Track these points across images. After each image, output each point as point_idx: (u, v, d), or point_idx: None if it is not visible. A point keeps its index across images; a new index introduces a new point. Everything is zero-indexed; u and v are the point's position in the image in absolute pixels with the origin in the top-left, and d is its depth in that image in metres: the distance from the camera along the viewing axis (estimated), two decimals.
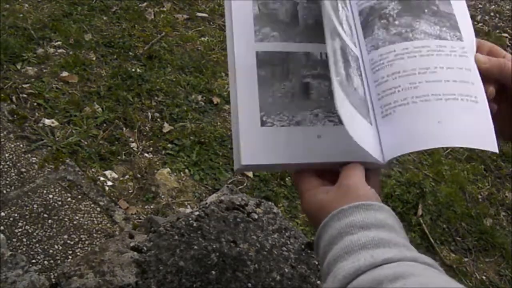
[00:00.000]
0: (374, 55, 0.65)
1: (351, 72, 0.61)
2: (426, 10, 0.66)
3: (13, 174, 1.95)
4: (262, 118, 0.59)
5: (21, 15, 2.77)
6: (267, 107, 0.60)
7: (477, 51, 0.64)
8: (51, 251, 1.74)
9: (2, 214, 1.80)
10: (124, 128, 2.31)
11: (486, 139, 0.59)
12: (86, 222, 1.86)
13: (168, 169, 2.19)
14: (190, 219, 1.13)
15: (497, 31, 3.82)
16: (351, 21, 0.68)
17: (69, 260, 1.70)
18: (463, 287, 0.44)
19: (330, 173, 0.60)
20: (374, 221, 0.52)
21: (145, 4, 3.17)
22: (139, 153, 2.23)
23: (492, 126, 0.59)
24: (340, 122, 0.56)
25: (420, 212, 2.33)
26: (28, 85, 2.36)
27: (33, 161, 2.03)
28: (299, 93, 0.61)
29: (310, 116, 0.60)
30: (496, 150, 0.58)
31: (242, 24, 0.63)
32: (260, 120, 0.59)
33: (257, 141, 0.58)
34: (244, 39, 0.62)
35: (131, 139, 2.28)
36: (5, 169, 1.96)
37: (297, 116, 0.60)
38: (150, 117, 2.41)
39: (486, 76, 0.63)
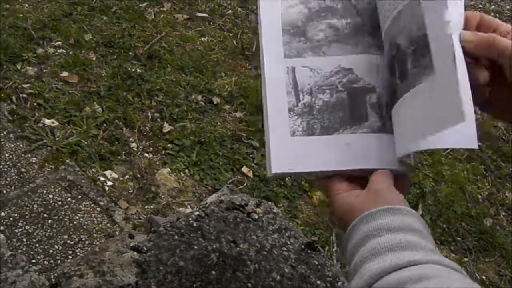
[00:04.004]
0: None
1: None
2: None
3: (13, 174, 1.95)
4: (292, 128, 0.63)
5: (21, 15, 2.77)
6: (297, 118, 0.63)
7: (464, 27, 0.54)
8: (51, 251, 1.74)
9: (2, 214, 1.80)
10: (124, 128, 2.31)
11: (470, 141, 0.52)
12: (86, 222, 1.86)
13: (168, 169, 2.19)
14: (190, 219, 1.13)
15: None
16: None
17: (69, 260, 1.70)
18: None
19: (359, 178, 0.62)
20: (402, 224, 0.53)
21: (145, 4, 3.17)
22: (139, 153, 2.23)
23: (475, 132, 0.51)
24: (368, 130, 0.60)
25: (420, 212, 2.33)
26: (28, 85, 2.36)
27: (33, 161, 2.03)
28: (327, 103, 0.64)
29: (338, 125, 0.63)
30: (476, 147, 0.52)
31: (271, 38, 0.66)
32: (289, 130, 0.62)
33: (286, 152, 0.62)
34: (274, 54, 0.66)
35: (131, 139, 2.28)
36: (5, 169, 1.96)
37: (326, 125, 0.63)
38: (150, 117, 2.40)
39: (475, 56, 0.52)
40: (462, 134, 0.52)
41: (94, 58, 2.64)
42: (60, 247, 1.76)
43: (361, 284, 0.49)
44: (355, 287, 0.50)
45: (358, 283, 0.49)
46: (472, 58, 0.52)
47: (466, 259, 2.21)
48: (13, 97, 2.28)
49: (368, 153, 0.61)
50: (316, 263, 1.12)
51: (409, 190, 0.64)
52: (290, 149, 0.62)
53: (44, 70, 2.48)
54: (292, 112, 0.63)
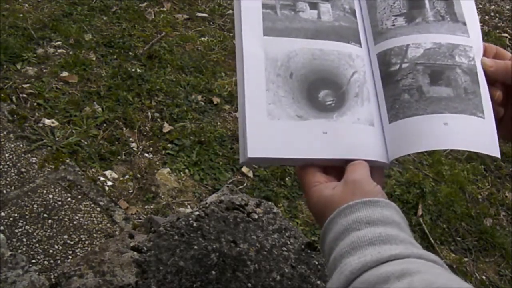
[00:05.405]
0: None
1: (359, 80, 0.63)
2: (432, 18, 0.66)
3: (13, 174, 1.95)
4: (269, 112, 0.59)
5: (21, 15, 2.77)
6: (275, 101, 0.60)
7: (483, 55, 0.64)
8: (51, 251, 1.74)
9: (2, 214, 1.80)
10: (124, 128, 2.31)
11: (490, 146, 0.59)
12: (86, 222, 1.86)
13: (168, 169, 2.19)
14: (190, 219, 1.13)
15: (497, 31, 3.82)
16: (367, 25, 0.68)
17: (69, 260, 1.70)
18: (468, 285, 0.44)
19: (335, 169, 0.60)
20: (381, 217, 0.52)
21: (145, 4, 3.17)
22: (139, 153, 2.23)
23: (496, 137, 0.59)
24: (346, 119, 0.59)
25: (420, 212, 2.33)
26: (28, 85, 2.36)
27: (33, 161, 2.03)
28: (306, 89, 0.61)
29: (317, 112, 0.60)
30: (499, 155, 0.59)
31: (250, 17, 0.63)
32: (267, 114, 0.59)
33: (264, 135, 0.58)
34: (253, 33, 0.62)
35: (131, 139, 2.28)
36: (5, 169, 1.96)
37: (303, 111, 0.60)
38: (150, 117, 2.40)
39: (493, 79, 0.63)
40: (484, 139, 0.59)
41: (94, 58, 2.64)
42: (60, 247, 1.76)
43: (342, 280, 0.48)
44: (336, 283, 0.49)
45: (339, 278, 0.48)
46: (490, 84, 0.63)
47: (466, 259, 2.21)
48: (13, 97, 2.28)
49: (344, 142, 0.59)
50: (316, 263, 1.12)
51: (383, 181, 0.63)
52: (267, 132, 0.58)
53: (44, 70, 2.48)
54: (270, 93, 0.60)
